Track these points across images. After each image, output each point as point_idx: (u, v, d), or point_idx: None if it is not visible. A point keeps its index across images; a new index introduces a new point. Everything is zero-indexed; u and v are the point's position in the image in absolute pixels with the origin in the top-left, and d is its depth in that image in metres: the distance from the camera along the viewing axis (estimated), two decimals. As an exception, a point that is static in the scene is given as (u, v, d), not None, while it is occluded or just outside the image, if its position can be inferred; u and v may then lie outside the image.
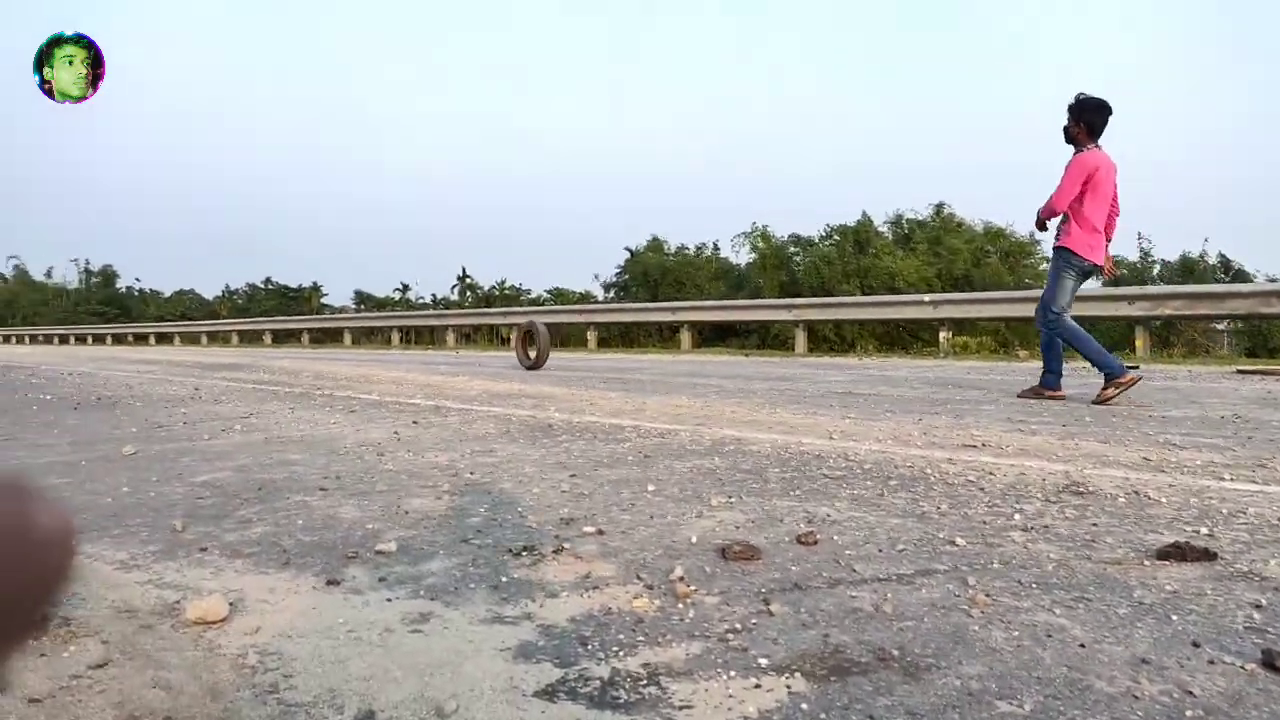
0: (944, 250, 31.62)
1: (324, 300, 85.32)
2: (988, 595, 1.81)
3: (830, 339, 20.48)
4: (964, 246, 31.71)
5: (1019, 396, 5.48)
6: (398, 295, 76.08)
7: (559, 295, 66.51)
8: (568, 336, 17.99)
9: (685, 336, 14.56)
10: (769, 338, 21.16)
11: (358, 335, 21.54)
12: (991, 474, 3.13)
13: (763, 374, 8.53)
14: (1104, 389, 5.38)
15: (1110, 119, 5.57)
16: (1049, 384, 5.57)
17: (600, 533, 2.38)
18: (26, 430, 5.02)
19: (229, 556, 2.23)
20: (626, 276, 41.33)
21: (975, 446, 3.73)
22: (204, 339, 26.74)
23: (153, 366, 12.49)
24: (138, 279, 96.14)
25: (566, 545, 2.25)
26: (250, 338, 25.65)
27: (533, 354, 9.90)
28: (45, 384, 8.93)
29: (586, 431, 4.42)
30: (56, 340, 36.29)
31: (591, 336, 16.49)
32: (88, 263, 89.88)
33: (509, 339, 18.12)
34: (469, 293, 70.81)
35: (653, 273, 38.22)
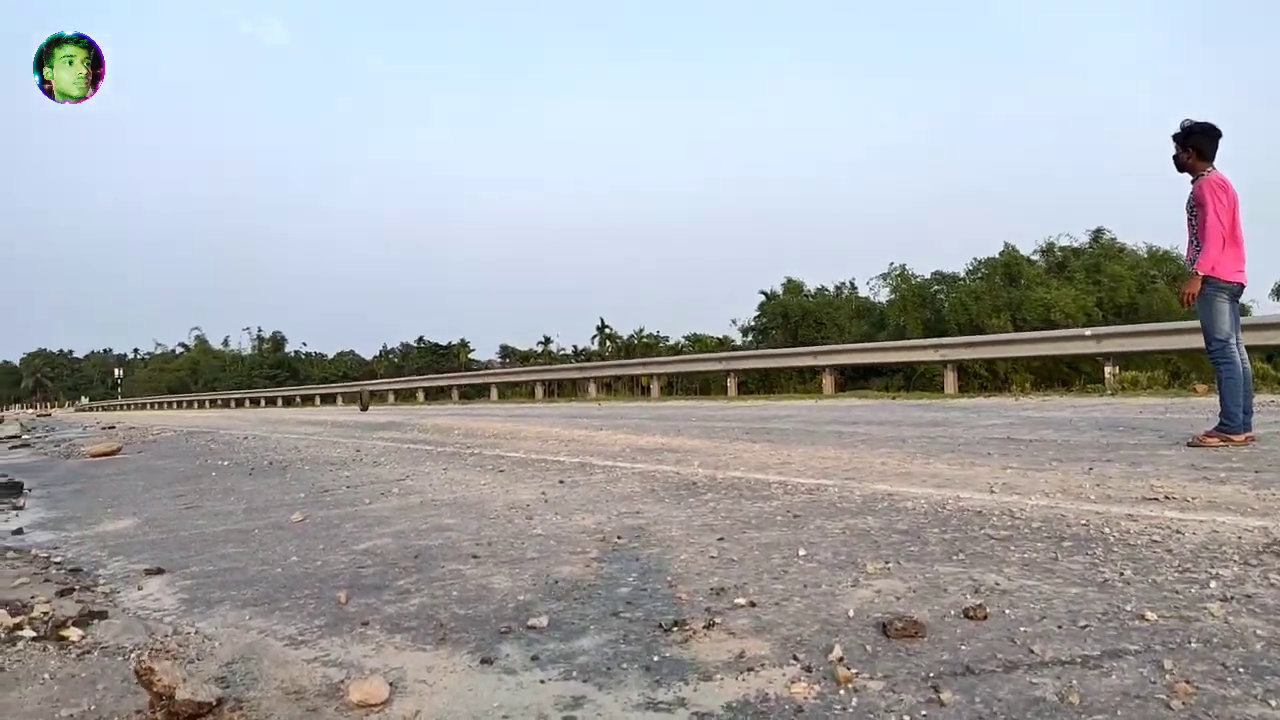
0: (1105, 278, 29.93)
1: (471, 355, 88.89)
2: (1189, 682, 1.63)
3: (982, 375, 19.61)
4: (1127, 273, 29.94)
5: (1201, 440, 5.03)
6: (540, 348, 78.40)
7: (697, 340, 66.72)
8: (708, 384, 17.92)
9: (827, 380, 14.25)
10: (915, 377, 20.48)
11: (503, 389, 22.20)
12: (1179, 532, 2.86)
13: (911, 419, 8.22)
14: (1208, 434, 4.95)
15: (1220, 142, 5.20)
16: (1232, 425, 5.10)
17: (752, 604, 2.30)
18: (206, 497, 5.37)
19: (389, 630, 2.28)
20: (764, 319, 41.17)
21: (1157, 499, 3.44)
22: (365, 396, 28.20)
23: (318, 428, 13.20)
24: (304, 343, 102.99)
25: (718, 619, 2.18)
26: (405, 395, 26.80)
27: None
28: (223, 449, 9.56)
29: (732, 489, 4.34)
30: (233, 404, 39.02)
31: (731, 383, 16.39)
32: (259, 330, 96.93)
33: (649, 388, 18.27)
34: (609, 342, 72.21)
35: (792, 314, 37.85)
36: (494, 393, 21.61)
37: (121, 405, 60.25)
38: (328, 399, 32.56)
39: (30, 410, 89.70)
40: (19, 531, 4.39)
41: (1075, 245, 33.62)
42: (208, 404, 43.16)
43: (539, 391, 20.85)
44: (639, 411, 13.11)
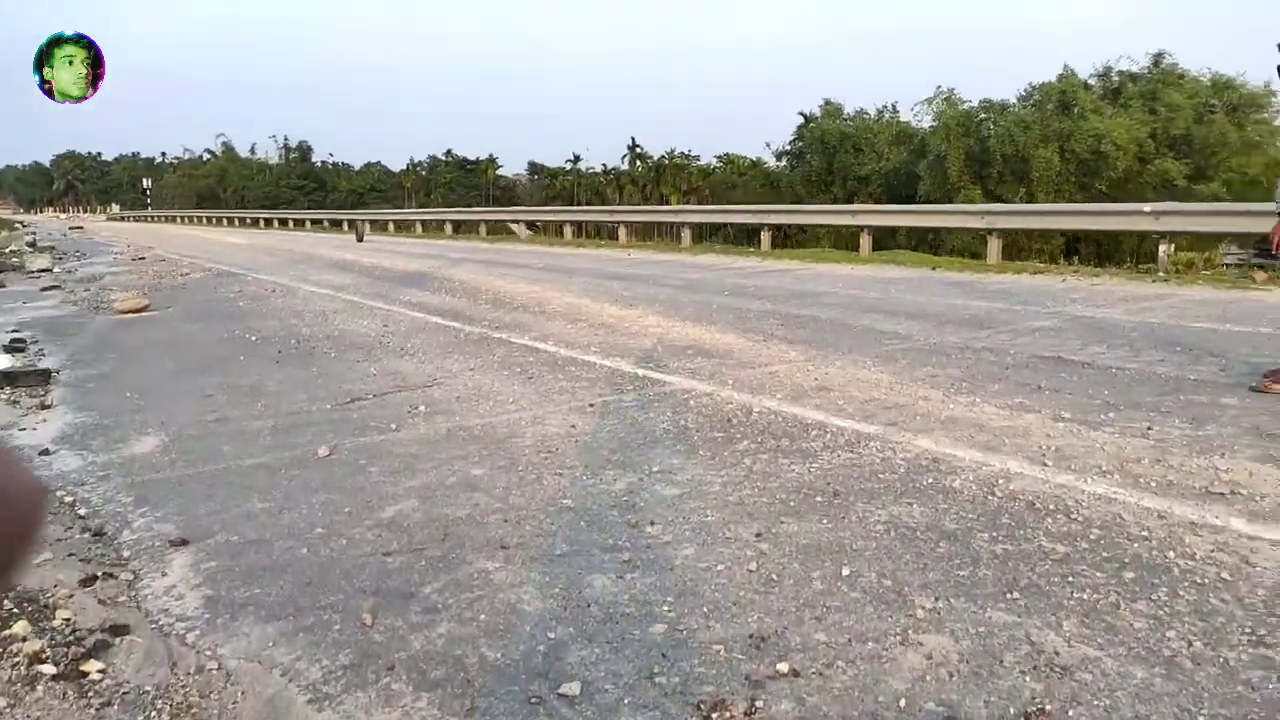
0: (1162, 107, 28.41)
1: (499, 171, 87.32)
2: None
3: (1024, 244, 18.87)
4: (1186, 102, 28.38)
5: (1267, 387, 4.67)
6: (569, 165, 76.58)
7: (729, 162, 64.89)
8: (743, 233, 17.38)
9: (865, 241, 13.77)
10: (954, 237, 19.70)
11: (531, 225, 21.73)
12: (1248, 562, 2.69)
13: (954, 313, 7.89)
14: (1274, 376, 4.62)
15: None
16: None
17: (795, 674, 2.19)
18: (233, 402, 5.30)
19: (415, 685, 2.20)
20: (800, 144, 39.69)
21: (1222, 496, 3.24)
22: (390, 227, 27.83)
23: (347, 279, 13.10)
24: (331, 154, 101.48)
25: (759, 702, 2.07)
26: (432, 227, 26.36)
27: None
28: (250, 311, 9.48)
29: (769, 435, 4.18)
30: (261, 224, 38.68)
31: (765, 237, 15.90)
32: (286, 139, 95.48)
33: (681, 236, 17.81)
34: (639, 162, 70.35)
35: (830, 139, 36.40)
36: (522, 231, 21.19)
37: (151, 216, 60.27)
38: (355, 225, 32.32)
39: (62, 215, 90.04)
40: (46, 453, 4.36)
41: (1134, 70, 31.70)
42: (235, 222, 42.97)
43: (568, 231, 20.44)
44: (670, 273, 12.82)
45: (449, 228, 25.35)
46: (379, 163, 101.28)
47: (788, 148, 40.90)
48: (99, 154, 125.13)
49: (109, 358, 6.97)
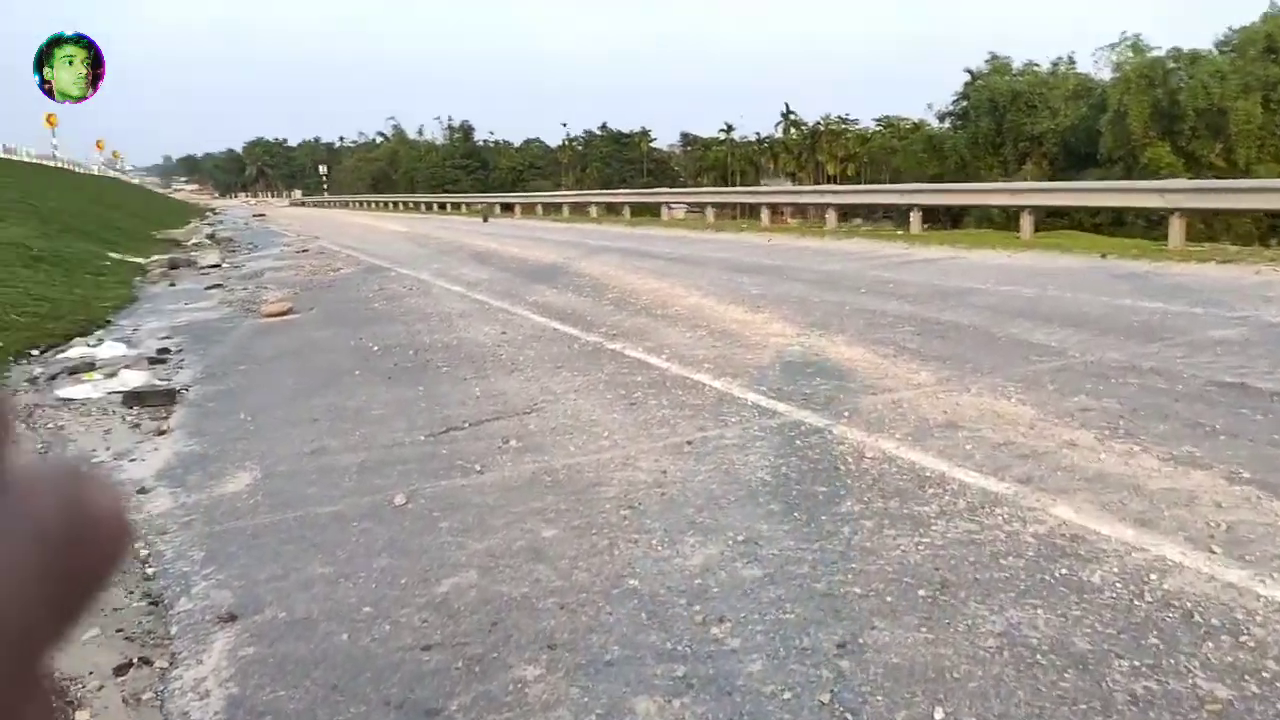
0: (1387, 49, 24.92)
1: (652, 144, 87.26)
2: None
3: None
4: None
5: None
6: (722, 135, 75.58)
7: (889, 126, 62.18)
8: (892, 212, 16.37)
9: (1025, 222, 12.58)
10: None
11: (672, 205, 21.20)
12: None
13: (1121, 319, 6.96)
14: None
15: None
16: None
17: None
18: (336, 429, 5.24)
19: None
20: (966, 104, 37.28)
21: None
22: (539, 209, 28.07)
23: (483, 272, 13.20)
24: (491, 132, 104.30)
25: None
26: (578, 209, 26.34)
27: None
28: (381, 315, 9.62)
29: (878, 491, 3.69)
30: (423, 208, 39.80)
31: (915, 218, 14.85)
32: (450, 119, 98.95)
33: (826, 216, 16.97)
34: (793, 129, 68.52)
35: (999, 97, 34.00)
36: (664, 213, 20.73)
37: (329, 202, 63.82)
38: (507, 208, 32.95)
39: (251, 200, 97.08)
40: (143, 490, 4.40)
41: (1360, 5, 27.89)
42: (400, 206, 44.70)
43: (710, 213, 19.93)
44: (807, 263, 12.19)
45: (593, 209, 25.35)
46: (538, 139, 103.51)
47: (951, 108, 38.57)
48: (284, 140, 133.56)
49: (239, 370, 7.15)
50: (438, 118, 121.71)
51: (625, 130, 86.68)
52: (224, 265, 16.06)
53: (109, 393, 6.31)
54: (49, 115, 48.26)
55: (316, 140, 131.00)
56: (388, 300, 10.54)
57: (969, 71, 37.67)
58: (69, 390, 6.56)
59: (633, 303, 8.93)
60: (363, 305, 10.27)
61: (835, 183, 71.74)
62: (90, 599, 0.36)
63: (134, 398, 6.06)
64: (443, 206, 39.40)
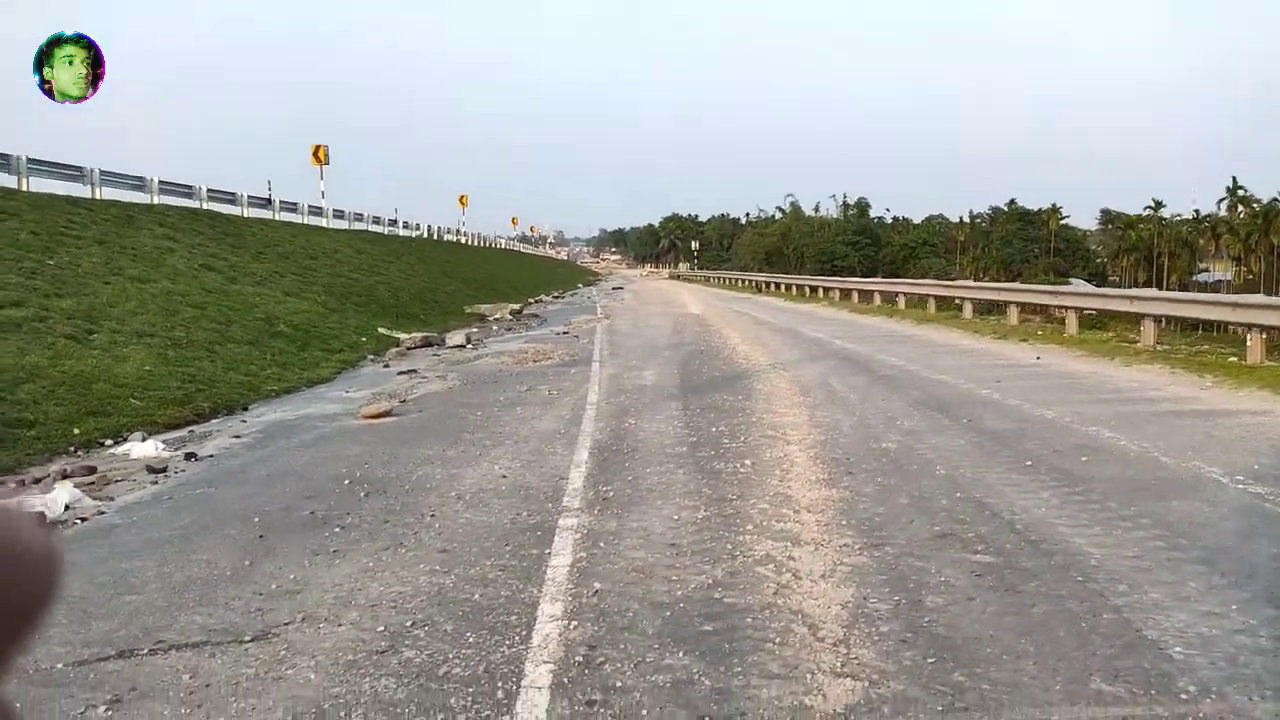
0: None
1: (1064, 220, 78.28)
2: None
3: None
4: None
5: None
6: (1148, 212, 65.32)
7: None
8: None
9: None
10: None
11: (1031, 308, 16.85)
12: None
13: None
14: None
15: None
16: None
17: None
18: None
19: None
20: None
21: None
22: (900, 300, 24.55)
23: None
24: (888, 208, 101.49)
25: None
26: (986, 308, 20.58)
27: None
28: (479, 436, 8.19)
29: None
30: (807, 290, 36.81)
31: (1257, 341, 9.99)
32: (845, 196, 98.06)
33: (1142, 326, 12.35)
34: (1239, 207, 56.92)
35: None
36: (1013, 314, 16.05)
37: (706, 278, 64.79)
38: (865, 294, 30.17)
39: (644, 271, 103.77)
40: None
41: None
42: (783, 287, 42.32)
43: (1013, 313, 15.77)
44: (1061, 409, 8.67)
45: (931, 304, 21.00)
46: (940, 215, 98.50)
47: None
48: (695, 215, 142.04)
49: (213, 502, 6.05)
50: (833, 195, 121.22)
51: (1033, 207, 78.84)
52: (467, 346, 15.92)
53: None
54: (461, 196, 55.39)
55: (724, 215, 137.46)
56: (483, 422, 9.12)
57: None
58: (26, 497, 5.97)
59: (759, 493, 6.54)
60: (465, 419, 8.89)
61: (1243, 342, 57.53)
62: (25, 632, 0.37)
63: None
64: (815, 290, 35.61)
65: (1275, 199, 53.36)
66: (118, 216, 16.86)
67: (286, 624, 3.86)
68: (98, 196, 18.53)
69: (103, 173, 19.57)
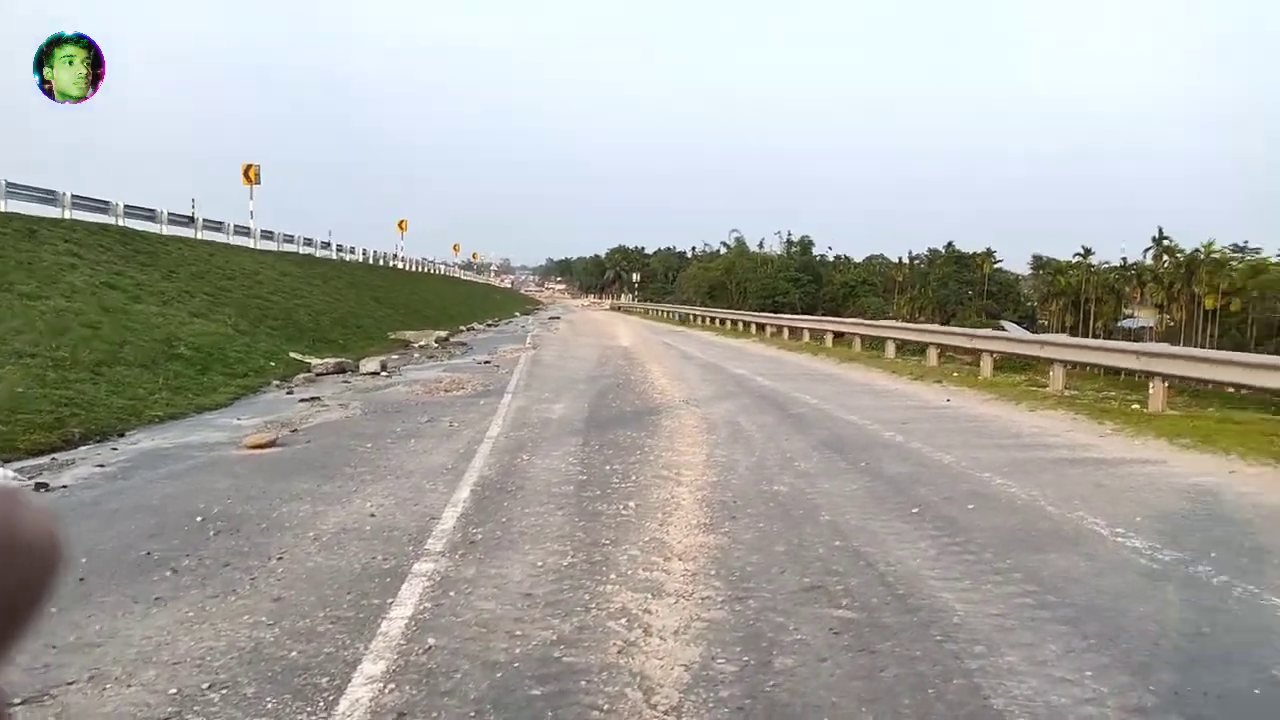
0: None
1: (997, 265, 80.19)
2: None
3: None
4: None
5: None
6: (1076, 259, 67.16)
7: (1295, 257, 51.34)
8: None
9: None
10: None
11: (946, 350, 17.03)
12: None
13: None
14: None
15: None
16: None
17: None
18: None
19: None
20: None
21: None
22: (828, 338, 24.64)
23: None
24: (830, 247, 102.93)
25: None
26: (911, 348, 20.75)
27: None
28: (360, 471, 7.79)
29: None
30: (740, 326, 36.82)
31: (1158, 390, 10.15)
32: (789, 234, 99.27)
33: (1051, 370, 12.58)
34: (1164, 256, 58.89)
35: None
36: (987, 365, 15.80)
37: (646, 310, 64.33)
38: (816, 334, 30.30)
39: (586, 301, 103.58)
40: None
41: None
42: (728, 324, 41.78)
43: (932, 354, 15.88)
44: (961, 452, 8.58)
45: (888, 347, 20.67)
46: (881, 255, 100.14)
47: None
48: (642, 247, 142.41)
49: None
50: (778, 232, 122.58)
51: (967, 250, 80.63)
52: (381, 374, 15.46)
53: None
54: (400, 221, 54.78)
55: (670, 249, 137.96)
56: (370, 456, 8.73)
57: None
58: None
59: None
60: (352, 452, 8.50)
61: (1211, 320, 59.44)
62: (26, 618, 0.36)
63: None
64: (760, 328, 35.82)
65: (1197, 250, 55.22)
66: (19, 230, 16.15)
67: (70, 684, 3.47)
68: (1, 209, 17.75)
69: (9, 184, 18.80)
